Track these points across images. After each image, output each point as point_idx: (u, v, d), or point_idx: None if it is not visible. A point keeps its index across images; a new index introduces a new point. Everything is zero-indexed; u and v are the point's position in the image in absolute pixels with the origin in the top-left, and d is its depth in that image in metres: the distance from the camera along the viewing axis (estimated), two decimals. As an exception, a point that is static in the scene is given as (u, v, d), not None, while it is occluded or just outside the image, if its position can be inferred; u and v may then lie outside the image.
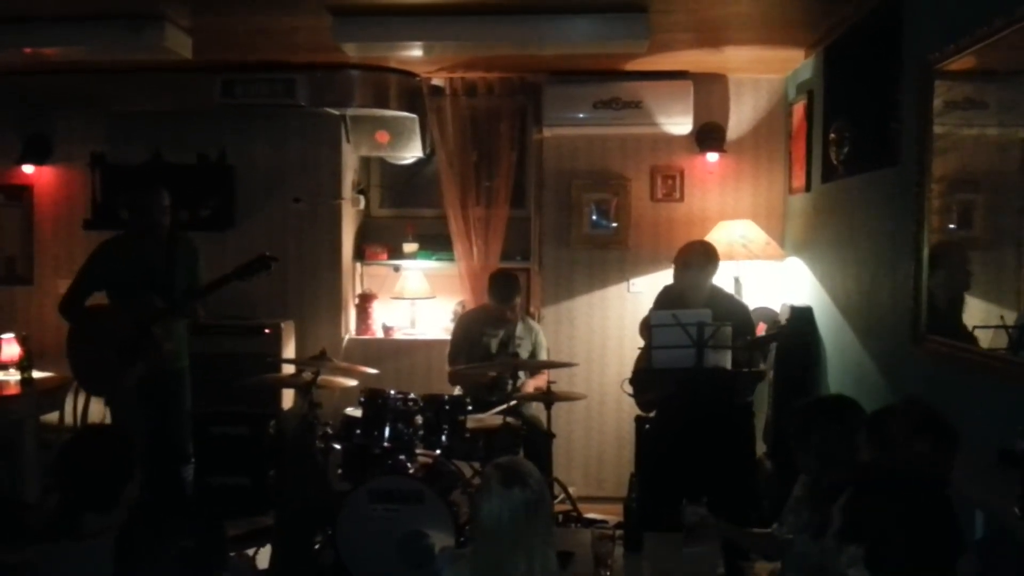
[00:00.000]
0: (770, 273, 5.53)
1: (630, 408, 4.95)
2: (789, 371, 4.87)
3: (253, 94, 5.47)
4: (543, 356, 5.24)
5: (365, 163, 6.28)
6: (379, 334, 6.00)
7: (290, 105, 5.52)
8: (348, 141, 5.91)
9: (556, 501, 4.66)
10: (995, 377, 2.84)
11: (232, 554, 4.26)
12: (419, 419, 4.31)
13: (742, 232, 5.39)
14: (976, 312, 3.11)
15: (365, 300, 6.04)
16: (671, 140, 5.68)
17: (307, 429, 4.36)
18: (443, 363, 5.33)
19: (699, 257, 4.49)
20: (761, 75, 5.70)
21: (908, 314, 3.46)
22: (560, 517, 4.86)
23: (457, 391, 5.00)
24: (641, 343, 4.49)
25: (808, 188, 5.13)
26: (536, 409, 4.91)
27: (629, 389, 4.54)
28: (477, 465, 4.40)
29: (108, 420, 4.72)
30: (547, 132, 5.71)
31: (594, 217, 5.82)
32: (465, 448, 4.33)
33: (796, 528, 2.87)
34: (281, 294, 5.82)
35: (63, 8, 4.37)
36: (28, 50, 4.67)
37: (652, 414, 4.68)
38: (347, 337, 5.94)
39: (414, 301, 6.03)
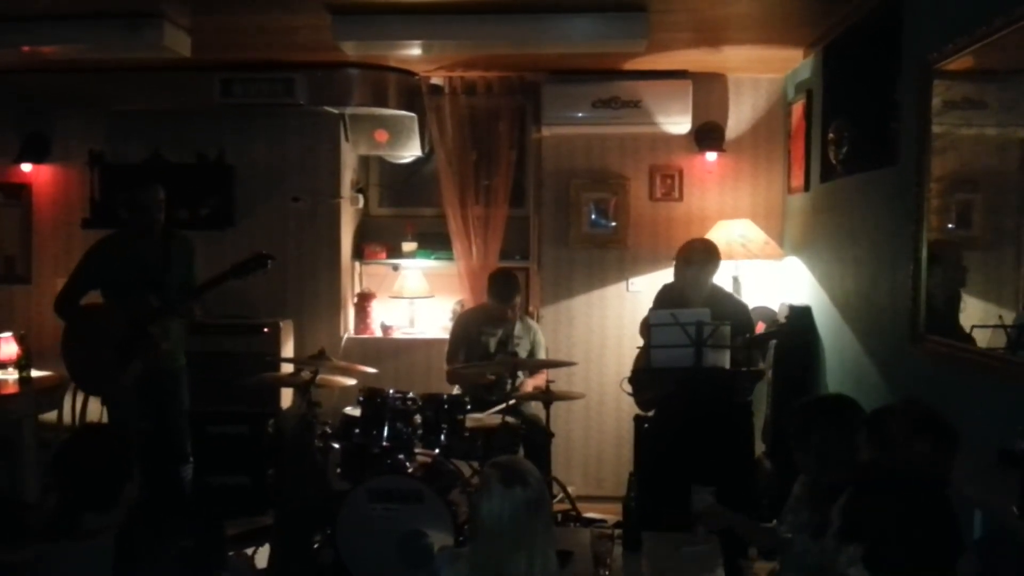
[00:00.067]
0: (769, 272, 5.53)
1: (629, 407, 4.96)
2: (788, 370, 4.88)
3: (252, 93, 5.47)
4: (541, 355, 5.24)
5: (364, 162, 6.27)
6: (378, 333, 6.00)
7: (289, 104, 5.52)
8: (347, 140, 5.91)
9: (555, 500, 4.67)
10: (994, 377, 2.84)
11: (231, 553, 4.30)
12: (418, 418, 4.31)
13: (741, 231, 5.39)
14: (975, 311, 3.11)
15: (364, 299, 6.04)
16: (670, 139, 5.68)
17: (306, 428, 4.35)
18: (442, 362, 5.33)
19: (701, 254, 4.50)
20: (760, 74, 5.70)
21: (907, 313, 3.46)
22: (559, 516, 4.86)
23: (456, 390, 5.00)
24: (640, 342, 4.49)
25: (807, 188, 5.13)
26: (535, 408, 4.91)
27: (628, 388, 4.54)
28: (476, 464, 4.40)
29: (105, 419, 4.71)
30: (546, 131, 5.71)
31: (593, 216, 5.82)
32: (464, 447, 4.32)
33: (795, 528, 2.87)
34: (280, 293, 5.82)
35: (62, 6, 4.36)
36: (26, 48, 4.66)
37: (651, 413, 4.68)
38: (346, 336, 5.94)
39: (413, 300, 6.03)
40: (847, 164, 4.41)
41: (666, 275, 5.01)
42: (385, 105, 5.71)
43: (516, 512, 2.21)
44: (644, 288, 5.63)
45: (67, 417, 5.15)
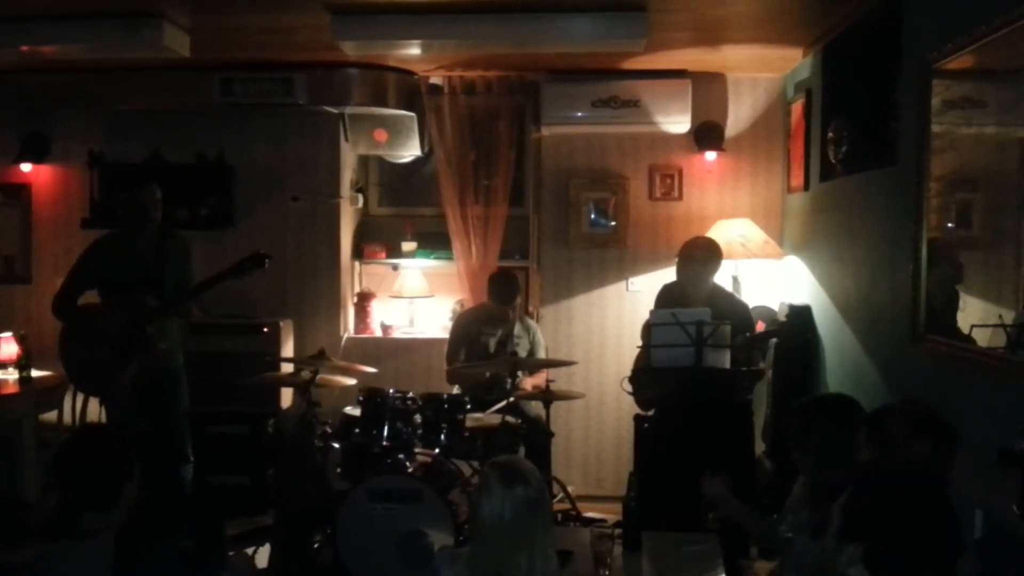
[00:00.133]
0: (768, 272, 5.53)
1: (629, 407, 4.95)
2: (788, 370, 4.88)
3: (252, 93, 5.47)
4: (541, 355, 5.24)
5: (363, 162, 6.27)
6: (378, 333, 6.00)
7: (288, 104, 5.52)
8: (347, 140, 5.91)
9: (555, 500, 4.67)
10: (994, 376, 2.85)
11: (231, 553, 4.30)
12: (418, 418, 4.30)
13: (740, 231, 5.39)
14: (975, 311, 3.11)
15: (364, 299, 6.04)
16: (669, 139, 5.68)
17: (306, 428, 4.35)
18: (442, 362, 5.33)
19: (703, 252, 4.51)
20: (759, 74, 5.70)
21: (907, 313, 3.46)
22: (559, 516, 4.86)
23: (456, 390, 5.00)
24: (641, 342, 4.49)
25: (806, 187, 5.13)
26: (535, 408, 4.91)
27: (628, 388, 4.55)
28: (476, 464, 4.39)
29: (104, 419, 4.70)
30: (546, 131, 5.71)
31: (593, 216, 5.81)
32: (464, 447, 4.32)
33: (795, 527, 2.87)
34: (280, 293, 5.81)
35: (61, 6, 4.36)
36: (25, 48, 4.66)
37: (651, 413, 4.68)
38: (346, 336, 5.94)
39: (413, 300, 6.03)
40: (847, 164, 4.41)
41: (666, 274, 5.01)
42: (384, 105, 5.71)
43: (516, 512, 2.22)
44: (644, 288, 5.63)
45: (67, 417, 5.15)
